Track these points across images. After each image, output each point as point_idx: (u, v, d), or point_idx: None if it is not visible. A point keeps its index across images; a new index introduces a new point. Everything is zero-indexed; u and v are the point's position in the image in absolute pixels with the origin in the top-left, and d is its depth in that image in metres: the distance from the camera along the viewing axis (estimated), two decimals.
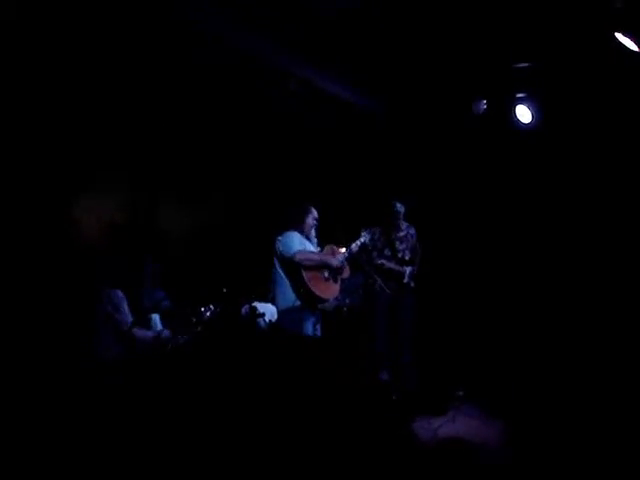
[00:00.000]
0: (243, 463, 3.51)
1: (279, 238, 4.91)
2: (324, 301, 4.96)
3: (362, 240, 5.20)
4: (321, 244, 5.14)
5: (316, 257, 4.92)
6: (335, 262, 4.97)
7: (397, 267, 5.91)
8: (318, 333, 5.00)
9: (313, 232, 5.08)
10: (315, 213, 5.10)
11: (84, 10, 4.42)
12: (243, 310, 4.89)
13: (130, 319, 4.42)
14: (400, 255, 5.97)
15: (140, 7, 4.58)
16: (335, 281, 5.03)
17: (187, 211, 5.78)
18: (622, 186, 5.64)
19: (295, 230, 4.99)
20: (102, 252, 4.92)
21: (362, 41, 5.30)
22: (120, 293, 4.47)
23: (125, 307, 4.44)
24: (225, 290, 4.77)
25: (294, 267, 4.77)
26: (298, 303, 4.77)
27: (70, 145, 4.92)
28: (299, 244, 4.87)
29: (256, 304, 4.85)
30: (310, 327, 4.92)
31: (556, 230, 6.03)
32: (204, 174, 5.82)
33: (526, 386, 5.21)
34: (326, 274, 4.95)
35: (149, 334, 4.50)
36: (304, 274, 4.75)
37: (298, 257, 4.75)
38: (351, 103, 6.24)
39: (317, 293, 4.80)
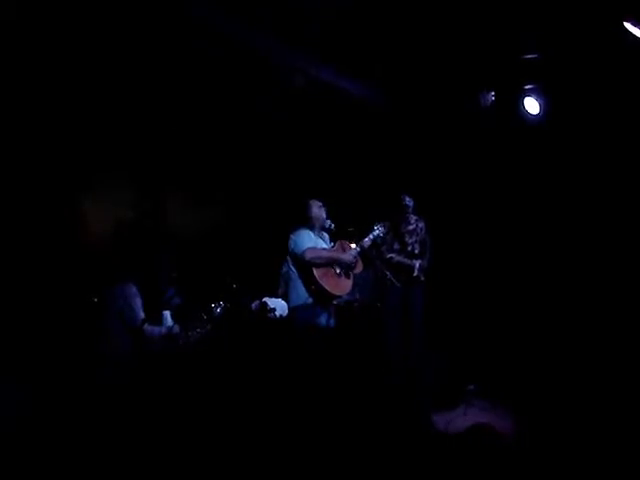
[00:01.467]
0: (256, 457, 3.53)
1: (291, 236, 4.91)
2: (336, 297, 4.94)
3: (375, 234, 5.18)
4: (333, 239, 5.13)
5: (326, 254, 4.90)
6: (346, 258, 4.95)
7: (407, 260, 5.89)
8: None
9: (327, 221, 5.05)
10: (317, 204, 5.05)
11: (85, 10, 4.42)
12: (254, 306, 4.92)
13: (142, 315, 4.43)
14: (409, 248, 5.95)
15: (144, 7, 4.58)
16: (347, 277, 5.00)
17: (195, 208, 5.79)
18: (631, 178, 5.60)
19: (306, 227, 4.98)
20: (113, 250, 4.93)
21: (369, 34, 5.29)
22: (134, 288, 4.48)
23: (138, 302, 4.45)
24: (235, 286, 4.79)
25: (305, 264, 4.77)
26: (310, 300, 4.77)
27: (78, 146, 4.95)
28: (309, 242, 4.85)
29: (266, 299, 4.88)
30: (323, 323, 4.91)
31: (565, 222, 6.00)
32: (212, 171, 5.84)
33: (537, 379, 5.21)
34: (338, 270, 4.93)
35: (160, 330, 4.52)
36: (315, 271, 4.74)
37: (308, 255, 4.74)
38: (359, 97, 6.23)
39: (329, 290, 4.78)
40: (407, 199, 5.94)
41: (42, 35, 4.41)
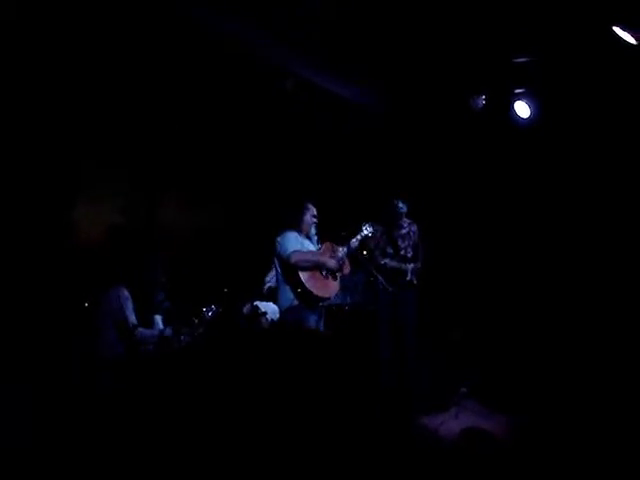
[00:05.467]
0: (246, 462, 3.52)
1: (278, 239, 4.91)
2: (323, 300, 4.94)
3: (363, 234, 5.19)
4: (320, 241, 5.13)
5: (312, 257, 4.89)
6: (332, 263, 4.94)
7: (400, 265, 5.89)
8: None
9: (313, 229, 5.07)
10: (313, 210, 5.07)
11: (83, 11, 4.44)
12: (245, 309, 4.92)
13: (134, 319, 4.44)
14: (402, 252, 5.95)
15: (142, 7, 4.60)
16: (334, 279, 5.00)
17: (187, 212, 5.80)
18: (622, 181, 5.63)
19: (293, 229, 4.97)
20: (104, 253, 4.94)
21: (360, 38, 5.30)
22: (125, 292, 4.49)
23: (129, 306, 4.46)
24: (226, 290, 4.79)
25: (291, 267, 4.77)
26: (297, 302, 4.78)
27: (71, 148, 4.95)
28: (296, 244, 4.85)
29: (258, 303, 4.88)
30: (312, 325, 4.91)
31: (556, 225, 6.02)
32: (204, 175, 5.84)
33: (530, 381, 5.21)
34: (324, 272, 4.93)
35: (152, 333, 4.53)
36: (301, 274, 4.75)
37: (294, 258, 4.74)
38: (350, 101, 6.25)
39: (315, 292, 4.78)
40: (400, 204, 5.94)
41: (42, 36, 4.43)
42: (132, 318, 4.46)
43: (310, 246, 4.99)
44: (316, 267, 4.86)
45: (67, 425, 3.67)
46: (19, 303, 4.48)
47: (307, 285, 4.73)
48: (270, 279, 5.33)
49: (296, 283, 4.75)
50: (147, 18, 4.70)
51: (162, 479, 3.42)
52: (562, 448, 3.98)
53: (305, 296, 4.75)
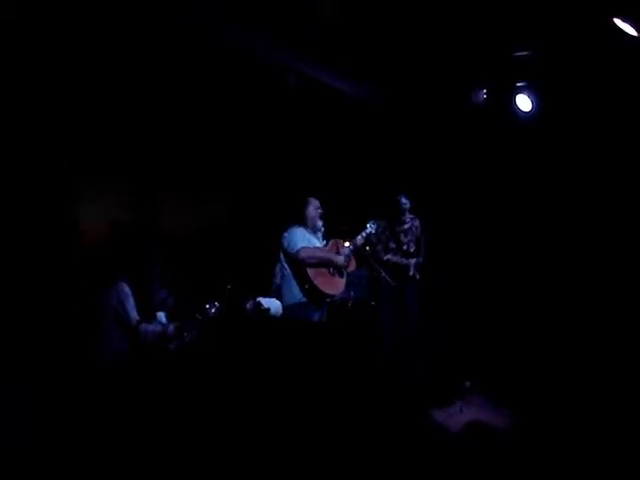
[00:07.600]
0: (250, 457, 3.52)
1: (284, 234, 4.92)
2: (330, 296, 4.95)
3: (368, 231, 5.22)
4: (327, 237, 5.14)
5: (320, 254, 4.91)
6: (339, 260, 4.97)
7: (402, 260, 5.90)
8: None
9: (319, 223, 5.06)
10: (315, 203, 5.08)
11: (83, 13, 4.44)
12: (248, 305, 4.91)
13: (136, 314, 4.43)
14: (405, 247, 5.97)
15: (141, 8, 4.60)
16: (341, 275, 5.03)
17: (189, 209, 5.80)
18: (625, 175, 5.61)
19: (299, 225, 4.98)
20: (106, 250, 4.93)
21: (361, 33, 5.30)
22: (126, 288, 4.48)
23: (131, 302, 4.45)
24: (229, 286, 4.78)
25: (298, 264, 4.77)
26: (304, 299, 4.78)
27: (73, 147, 4.95)
28: (303, 240, 4.86)
29: (260, 299, 4.87)
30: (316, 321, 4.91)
31: (558, 219, 6.01)
32: (206, 171, 5.84)
33: (534, 375, 5.20)
34: (331, 269, 4.94)
35: (154, 328, 4.52)
36: (308, 271, 4.76)
37: (301, 255, 4.75)
38: (351, 95, 6.24)
39: (322, 289, 4.80)
40: (403, 200, 5.95)
41: (41, 36, 4.42)
42: (134, 314, 4.46)
43: (316, 242, 5.00)
44: (323, 264, 4.87)
45: (67, 425, 3.66)
46: (20, 301, 4.48)
47: (314, 282, 4.75)
48: (276, 273, 5.33)
49: (303, 279, 4.76)
50: (147, 18, 4.70)
51: (169, 474, 3.42)
52: (565, 444, 3.97)
53: (312, 292, 4.77)
